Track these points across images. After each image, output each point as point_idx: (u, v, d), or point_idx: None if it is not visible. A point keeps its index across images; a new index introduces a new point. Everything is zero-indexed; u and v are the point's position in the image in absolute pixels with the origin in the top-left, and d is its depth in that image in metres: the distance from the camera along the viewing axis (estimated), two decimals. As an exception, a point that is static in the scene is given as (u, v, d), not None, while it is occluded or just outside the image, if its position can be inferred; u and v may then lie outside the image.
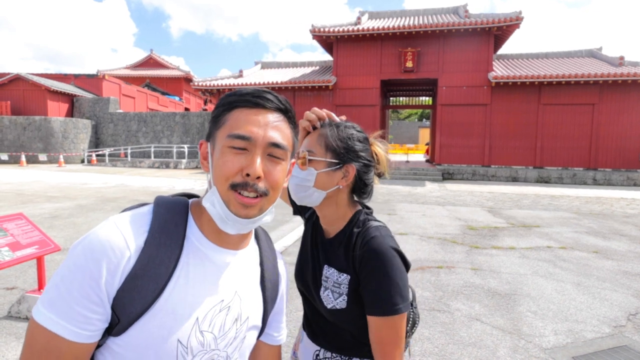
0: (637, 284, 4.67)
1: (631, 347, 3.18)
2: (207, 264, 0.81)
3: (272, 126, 0.78)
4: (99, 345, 0.75)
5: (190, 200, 0.88)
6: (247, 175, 0.74)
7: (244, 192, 0.75)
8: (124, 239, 0.73)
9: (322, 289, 1.15)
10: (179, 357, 0.75)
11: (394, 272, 1.04)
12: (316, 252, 1.22)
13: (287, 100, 0.84)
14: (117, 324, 0.72)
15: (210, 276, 0.80)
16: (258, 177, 0.75)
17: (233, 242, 0.86)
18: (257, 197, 0.76)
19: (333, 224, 1.18)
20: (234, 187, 0.75)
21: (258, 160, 0.75)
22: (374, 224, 1.14)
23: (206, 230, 0.83)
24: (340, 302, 1.11)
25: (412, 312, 1.20)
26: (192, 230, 0.82)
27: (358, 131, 1.17)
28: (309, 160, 1.12)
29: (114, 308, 0.71)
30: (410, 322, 1.19)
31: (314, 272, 1.19)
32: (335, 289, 1.12)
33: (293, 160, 0.90)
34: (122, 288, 0.71)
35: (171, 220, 0.79)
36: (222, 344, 0.81)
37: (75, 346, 0.69)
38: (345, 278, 1.11)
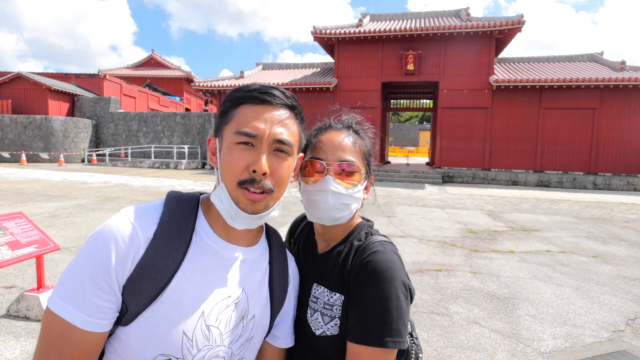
0: (636, 289, 4.67)
1: (630, 352, 3.18)
2: (214, 259, 0.82)
3: (278, 122, 0.79)
4: (109, 334, 0.77)
5: (202, 196, 0.89)
6: (254, 171, 0.76)
7: (250, 188, 0.77)
8: (134, 229, 0.75)
9: (310, 311, 0.98)
10: (184, 349, 0.76)
11: (391, 296, 0.86)
12: (304, 269, 1.05)
13: (294, 95, 0.85)
14: (126, 313, 0.73)
15: (217, 271, 0.81)
16: (264, 174, 0.76)
17: (242, 239, 0.86)
18: (262, 193, 0.78)
19: (335, 238, 1.03)
20: (242, 184, 0.76)
21: (264, 157, 0.76)
22: (378, 238, 0.99)
23: (215, 226, 0.84)
24: (332, 328, 0.94)
25: (414, 343, 1.04)
26: (202, 224, 0.83)
27: (371, 132, 1.07)
28: (353, 173, 0.96)
29: (123, 297, 0.73)
30: (413, 357, 1.02)
31: (301, 293, 1.03)
32: (326, 311, 0.96)
33: (301, 154, 0.91)
34: (131, 277, 0.73)
35: (181, 214, 0.81)
36: (227, 340, 0.82)
37: (89, 335, 0.71)
38: (338, 298, 0.95)
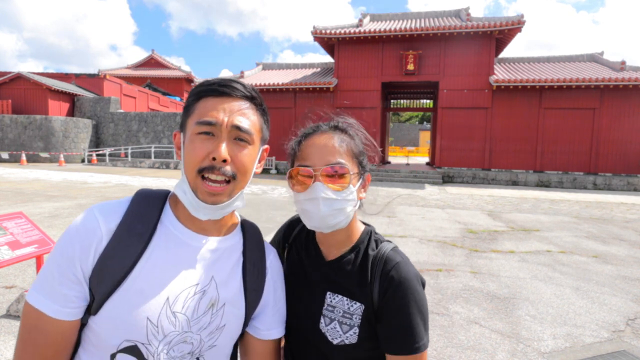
0: (636, 289, 4.67)
1: (630, 352, 3.18)
2: (180, 247, 0.84)
3: (237, 112, 0.82)
4: (84, 323, 0.80)
5: (172, 191, 0.91)
6: (213, 159, 0.78)
7: (211, 175, 0.79)
8: (97, 222, 0.79)
9: (325, 320, 0.96)
10: (149, 335, 0.78)
11: (422, 303, 0.92)
12: (312, 277, 1.02)
13: (254, 88, 0.87)
14: (94, 302, 0.77)
15: (184, 260, 0.83)
16: (224, 161, 0.78)
17: (209, 229, 0.88)
18: (226, 182, 0.80)
19: (340, 245, 1.01)
20: (202, 171, 0.78)
21: (223, 145, 0.78)
22: (389, 245, 1.00)
23: (181, 217, 0.86)
24: (351, 336, 0.93)
25: None
26: (167, 215, 0.86)
27: (362, 129, 1.03)
28: (343, 175, 0.92)
29: (90, 286, 0.77)
30: None
31: (310, 301, 1.00)
32: (345, 320, 0.94)
33: (266, 147, 0.93)
34: (95, 268, 0.77)
35: (146, 207, 0.84)
36: (195, 327, 0.83)
37: (59, 323, 0.76)
38: (358, 307, 0.94)
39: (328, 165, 0.91)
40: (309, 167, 0.92)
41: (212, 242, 0.87)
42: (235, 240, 0.94)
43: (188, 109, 0.84)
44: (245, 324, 0.93)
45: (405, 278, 0.92)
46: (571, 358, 3.08)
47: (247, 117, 0.83)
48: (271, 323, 0.98)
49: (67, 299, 0.75)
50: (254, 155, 0.86)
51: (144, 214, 0.82)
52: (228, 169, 0.79)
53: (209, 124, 0.79)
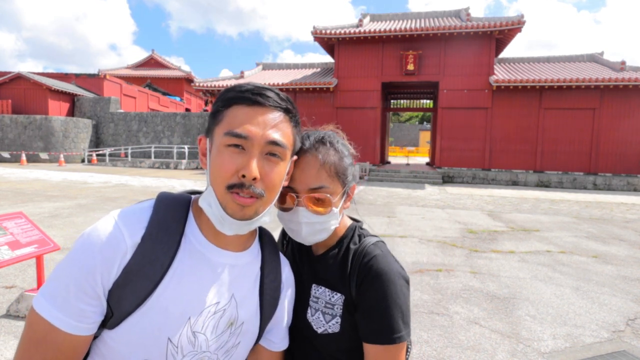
0: (636, 289, 4.67)
1: (630, 352, 3.18)
2: (204, 264, 0.80)
3: (270, 126, 0.76)
4: (95, 336, 0.76)
5: (194, 197, 0.87)
6: (243, 176, 0.73)
7: (240, 192, 0.74)
8: (122, 234, 0.73)
9: (311, 311, 1.01)
10: (169, 355, 0.75)
11: (399, 295, 0.93)
12: (302, 271, 1.08)
13: (288, 97, 0.82)
14: (111, 318, 0.73)
15: (206, 277, 0.79)
16: (254, 179, 0.74)
17: (232, 243, 0.84)
18: (252, 197, 0.75)
19: (326, 244, 1.05)
20: (231, 188, 0.74)
21: (254, 162, 0.74)
22: (372, 239, 1.03)
23: (205, 230, 0.82)
24: (333, 326, 0.98)
25: None
26: (192, 228, 0.81)
27: (344, 140, 1.05)
28: (326, 200, 0.94)
29: (108, 301, 0.72)
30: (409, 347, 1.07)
31: (300, 293, 1.05)
32: (327, 310, 0.99)
33: (295, 157, 0.88)
34: (117, 282, 0.72)
35: (170, 217, 0.79)
36: (213, 346, 0.81)
37: (73, 338, 0.71)
38: (339, 298, 0.98)
39: (311, 192, 0.93)
40: (292, 192, 0.94)
41: (233, 258, 0.84)
42: (254, 254, 0.91)
43: (216, 116, 0.78)
44: (258, 339, 0.93)
45: (383, 270, 0.94)
46: (571, 358, 3.08)
47: (281, 131, 0.78)
48: (284, 335, 0.99)
49: (83, 314, 0.70)
50: (284, 171, 0.81)
51: (169, 225, 0.78)
52: (258, 187, 0.75)
53: (240, 136, 0.73)
